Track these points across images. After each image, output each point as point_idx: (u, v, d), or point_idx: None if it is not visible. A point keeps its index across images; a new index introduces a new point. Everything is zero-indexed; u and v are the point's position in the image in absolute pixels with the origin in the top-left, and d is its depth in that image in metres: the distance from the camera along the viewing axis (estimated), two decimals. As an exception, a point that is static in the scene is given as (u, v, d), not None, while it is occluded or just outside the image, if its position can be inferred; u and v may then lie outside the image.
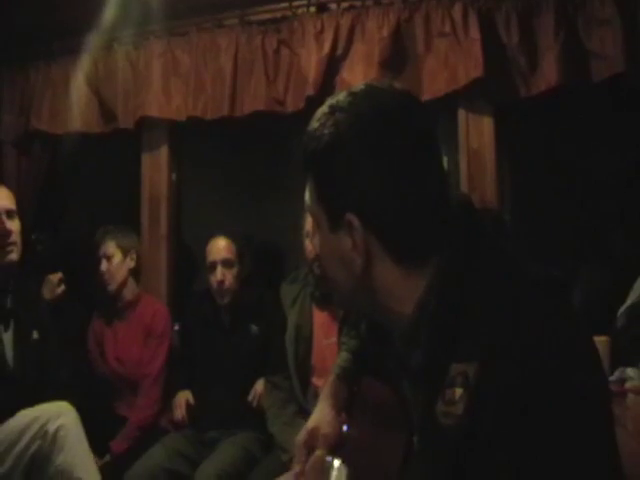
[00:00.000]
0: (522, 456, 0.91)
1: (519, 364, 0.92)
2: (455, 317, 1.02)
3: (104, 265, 3.69)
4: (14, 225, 3.05)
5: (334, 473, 1.28)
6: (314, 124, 1.15)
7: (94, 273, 3.72)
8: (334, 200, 1.12)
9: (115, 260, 3.71)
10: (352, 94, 1.15)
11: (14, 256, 3.02)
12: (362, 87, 1.17)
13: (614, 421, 0.99)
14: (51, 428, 2.68)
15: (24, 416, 2.73)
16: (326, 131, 1.12)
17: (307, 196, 1.21)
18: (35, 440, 2.67)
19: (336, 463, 1.28)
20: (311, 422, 1.57)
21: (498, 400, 0.92)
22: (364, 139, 1.09)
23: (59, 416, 2.72)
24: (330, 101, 1.16)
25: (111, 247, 3.72)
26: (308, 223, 2.94)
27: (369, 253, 1.10)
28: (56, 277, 3.74)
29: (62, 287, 3.75)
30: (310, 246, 3.06)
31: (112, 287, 3.71)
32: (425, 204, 1.10)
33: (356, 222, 1.08)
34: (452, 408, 0.98)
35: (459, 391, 0.97)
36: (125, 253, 3.76)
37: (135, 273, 3.81)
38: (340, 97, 1.15)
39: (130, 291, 3.77)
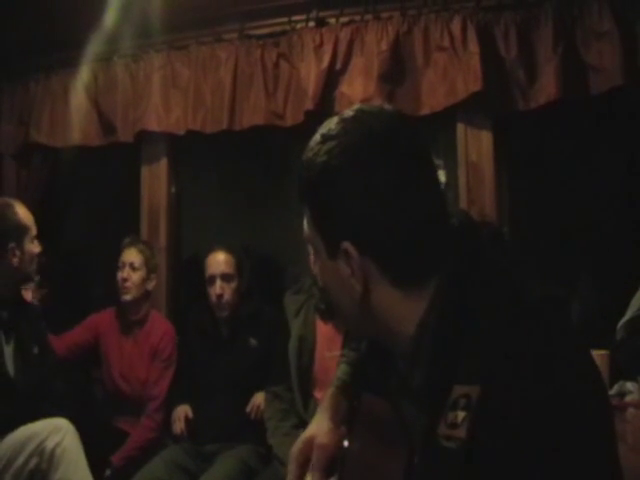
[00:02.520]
0: (524, 478, 0.90)
1: (522, 388, 0.91)
2: (456, 337, 1.02)
3: (126, 272, 3.66)
4: (38, 247, 3.15)
5: None
6: (308, 154, 1.15)
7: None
8: (330, 229, 1.13)
9: (139, 273, 3.68)
10: (342, 121, 1.15)
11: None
12: (352, 113, 1.16)
13: (617, 440, 0.99)
14: (49, 445, 2.68)
15: (21, 433, 2.73)
16: (318, 160, 1.11)
17: (305, 225, 1.21)
18: (32, 457, 2.66)
19: None
20: (308, 432, 1.55)
21: (501, 425, 0.92)
22: (354, 167, 1.09)
23: (57, 433, 2.71)
24: (322, 130, 1.16)
25: (138, 259, 3.69)
26: None
27: (367, 279, 1.10)
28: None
29: (42, 292, 3.75)
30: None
31: (128, 297, 3.67)
32: (420, 226, 1.09)
33: (352, 250, 1.08)
34: (455, 431, 0.96)
35: (462, 414, 0.96)
36: (149, 272, 3.74)
37: (149, 295, 3.79)
38: (331, 125, 1.15)
39: (143, 310, 3.74)
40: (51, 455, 2.67)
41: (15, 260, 3.01)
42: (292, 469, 1.48)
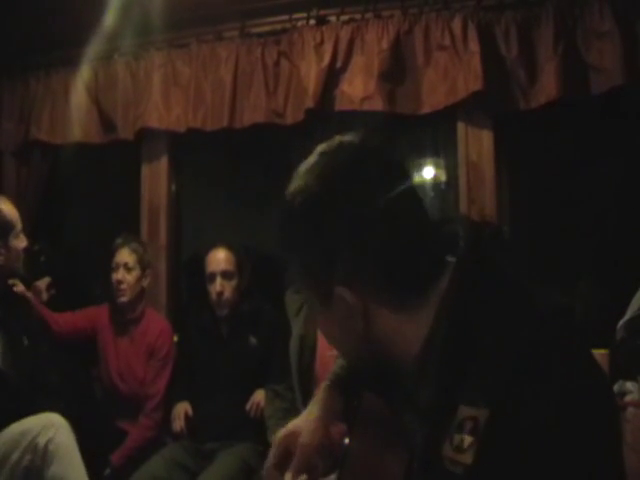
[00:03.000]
0: None
1: (532, 415, 0.90)
2: (462, 355, 1.00)
3: (121, 274, 3.64)
4: (24, 242, 3.15)
5: None
6: (287, 205, 1.15)
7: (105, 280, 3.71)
8: (317, 278, 1.13)
9: (134, 273, 3.67)
10: (315, 163, 1.15)
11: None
12: (326, 153, 1.16)
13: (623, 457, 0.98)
14: (41, 441, 2.66)
15: (14, 429, 2.71)
16: (295, 213, 1.13)
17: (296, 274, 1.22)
18: (26, 454, 2.65)
19: None
20: (293, 424, 1.55)
21: (509, 454, 0.90)
22: (336, 212, 1.08)
23: (49, 429, 2.69)
24: (302, 167, 1.17)
25: (132, 259, 3.66)
26: None
27: (367, 313, 1.10)
28: (44, 283, 3.73)
29: (51, 292, 3.74)
30: None
31: (124, 299, 3.65)
32: (411, 249, 1.08)
33: (347, 293, 1.08)
34: (460, 456, 0.95)
35: (468, 439, 0.94)
36: (144, 269, 3.72)
37: (144, 293, 3.78)
38: (307, 165, 1.16)
39: (138, 309, 3.73)
40: (44, 451, 2.65)
41: (0, 258, 3.01)
42: (272, 456, 1.49)
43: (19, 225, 3.09)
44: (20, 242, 3.08)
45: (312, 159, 1.16)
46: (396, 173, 1.13)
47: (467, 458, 0.94)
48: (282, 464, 1.46)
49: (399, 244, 1.08)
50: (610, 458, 0.94)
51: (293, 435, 1.50)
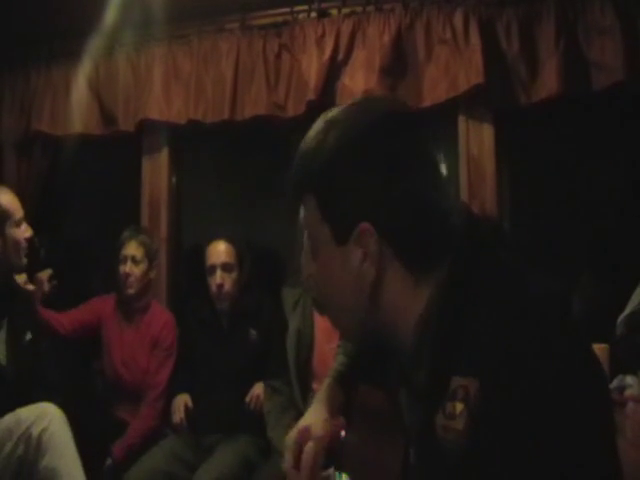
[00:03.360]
0: (524, 475, 0.90)
1: (521, 384, 0.91)
2: (457, 333, 1.01)
3: (128, 267, 3.66)
4: (28, 231, 3.10)
5: None
6: (311, 143, 1.14)
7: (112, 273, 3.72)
8: (344, 212, 1.10)
9: (141, 266, 3.69)
10: (348, 108, 1.16)
11: (25, 261, 3.09)
12: (357, 100, 1.17)
13: (616, 434, 0.98)
14: (35, 431, 2.64)
15: (8, 419, 2.69)
16: (326, 146, 1.11)
17: (304, 215, 1.19)
18: (19, 444, 2.63)
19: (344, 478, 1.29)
20: (303, 422, 1.56)
21: (499, 419, 0.92)
22: (367, 148, 1.09)
23: (43, 418, 2.67)
24: (324, 117, 1.16)
25: (139, 253, 3.69)
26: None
27: (382, 262, 1.09)
28: (45, 274, 3.73)
29: (53, 283, 3.74)
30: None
31: (131, 291, 3.68)
32: (432, 209, 1.09)
33: (371, 229, 1.07)
34: (452, 423, 0.97)
35: (460, 406, 0.96)
36: (151, 262, 3.75)
37: (150, 284, 3.81)
38: (334, 112, 1.16)
39: (144, 300, 3.76)
40: (38, 441, 2.63)
41: None
42: (288, 458, 1.49)
43: (17, 214, 3.04)
44: (19, 232, 3.03)
45: (357, 101, 1.18)
46: (431, 142, 1.16)
47: (458, 424, 0.96)
48: (299, 463, 1.46)
49: (429, 200, 1.09)
50: (598, 433, 0.95)
51: (305, 432, 1.50)
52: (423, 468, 1.09)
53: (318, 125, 1.16)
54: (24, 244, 3.06)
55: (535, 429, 0.90)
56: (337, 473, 1.37)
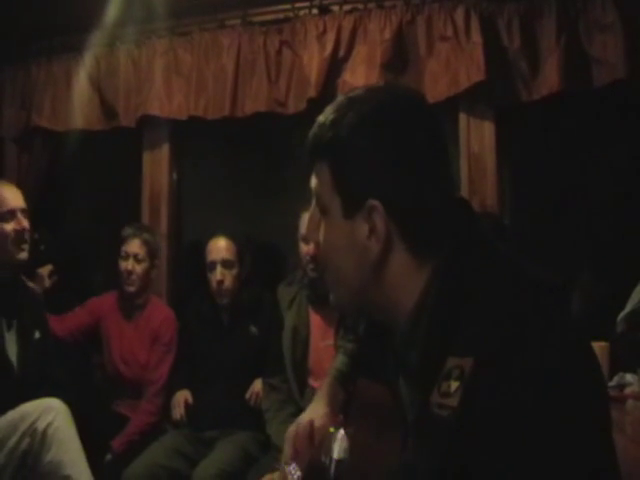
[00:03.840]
0: (517, 453, 0.91)
1: (515, 362, 0.92)
2: (453, 317, 1.02)
3: (131, 264, 3.65)
4: (27, 224, 3.03)
5: (338, 442, 1.30)
6: (330, 115, 1.15)
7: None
8: (355, 186, 1.11)
9: (143, 265, 3.69)
10: (369, 88, 1.19)
11: (25, 255, 3.01)
12: (381, 84, 1.20)
13: (612, 425, 0.99)
14: (40, 425, 2.65)
15: (13, 414, 2.70)
16: (347, 119, 1.12)
17: (315, 181, 1.19)
18: (25, 437, 2.64)
19: (340, 433, 1.31)
20: (304, 417, 1.57)
21: (493, 396, 0.92)
22: (387, 126, 1.11)
23: (48, 413, 2.69)
24: (346, 95, 1.19)
25: (142, 251, 3.68)
26: (304, 226, 2.94)
27: (387, 240, 1.10)
28: (46, 270, 3.73)
29: (53, 279, 3.74)
30: (305, 248, 3.08)
31: (132, 289, 3.67)
32: (439, 193, 1.12)
33: (380, 207, 1.08)
34: (447, 400, 0.98)
35: (455, 384, 0.97)
36: (152, 260, 3.75)
37: (151, 280, 3.80)
38: (357, 91, 1.18)
39: (144, 296, 3.76)
40: (43, 435, 2.64)
41: None
42: (287, 451, 1.50)
43: (4, 207, 2.96)
44: (5, 225, 2.94)
45: (378, 84, 1.22)
46: (443, 129, 1.18)
47: (453, 401, 0.97)
48: (297, 456, 1.47)
49: (437, 184, 1.12)
50: (589, 411, 0.95)
51: (304, 427, 1.51)
52: (419, 446, 1.10)
53: (339, 100, 1.18)
54: (12, 236, 2.95)
55: (529, 406, 0.91)
56: (333, 428, 1.39)
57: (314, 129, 1.19)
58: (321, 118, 1.18)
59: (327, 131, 1.15)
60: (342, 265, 1.17)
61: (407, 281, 1.11)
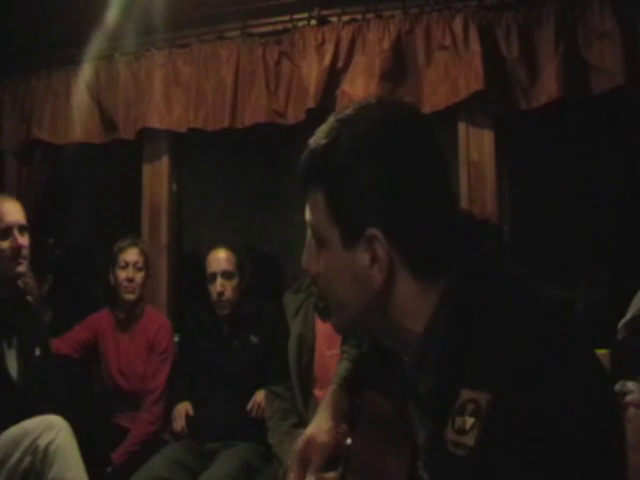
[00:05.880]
0: None
1: (533, 399, 0.89)
2: (465, 342, 0.99)
3: (131, 272, 3.67)
4: (25, 240, 2.99)
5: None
6: (322, 140, 1.10)
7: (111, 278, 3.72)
8: (352, 215, 1.07)
9: (142, 273, 3.72)
10: (360, 106, 1.12)
11: (23, 268, 3.00)
12: (369, 101, 1.14)
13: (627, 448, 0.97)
14: (42, 443, 2.63)
15: (15, 431, 2.68)
16: (339, 143, 1.07)
17: (310, 213, 1.15)
18: (26, 455, 2.62)
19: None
20: (308, 431, 1.55)
21: (512, 434, 0.90)
22: (382, 147, 1.06)
23: (50, 430, 2.67)
24: (336, 116, 1.12)
25: (142, 260, 3.72)
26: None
27: (391, 268, 1.06)
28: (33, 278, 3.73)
29: (45, 288, 3.75)
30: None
31: (133, 297, 3.69)
32: (440, 214, 1.07)
33: (380, 237, 1.04)
34: (463, 438, 0.95)
35: (470, 420, 0.94)
36: (148, 270, 3.78)
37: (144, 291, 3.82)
38: (347, 110, 1.12)
39: (140, 307, 3.77)
40: (45, 453, 2.62)
41: None
42: (294, 468, 1.48)
43: (0, 224, 2.92)
44: (2, 242, 2.91)
45: (370, 101, 1.14)
46: (441, 146, 1.13)
47: (469, 440, 0.94)
48: (305, 473, 1.46)
49: (438, 208, 1.07)
50: (608, 447, 0.93)
51: (310, 442, 1.50)
52: None
53: (330, 122, 1.12)
54: (8, 254, 2.92)
55: (551, 447, 0.88)
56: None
57: (305, 155, 1.13)
58: (312, 143, 1.12)
59: (319, 157, 1.10)
60: (344, 294, 1.13)
61: (414, 306, 1.08)
